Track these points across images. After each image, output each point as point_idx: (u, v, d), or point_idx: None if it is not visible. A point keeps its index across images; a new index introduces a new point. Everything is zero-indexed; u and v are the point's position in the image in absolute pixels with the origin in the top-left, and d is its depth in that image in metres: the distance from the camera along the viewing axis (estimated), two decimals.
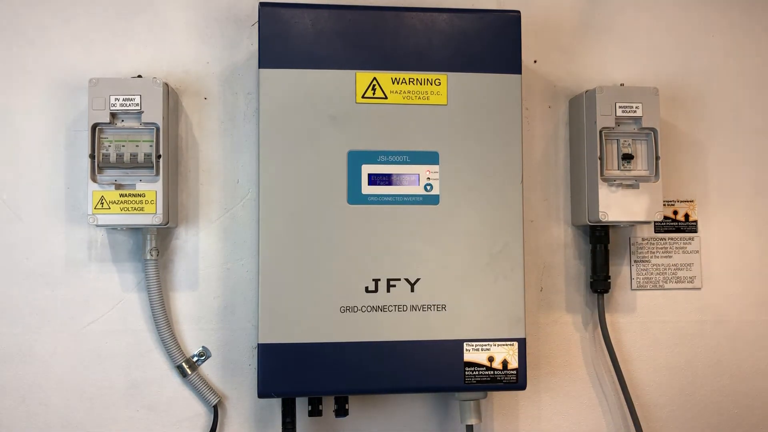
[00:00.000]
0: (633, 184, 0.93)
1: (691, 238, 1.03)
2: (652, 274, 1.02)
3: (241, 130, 0.96)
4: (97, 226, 0.86)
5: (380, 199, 0.86)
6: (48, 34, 0.94)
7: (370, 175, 0.86)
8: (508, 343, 0.87)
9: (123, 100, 0.86)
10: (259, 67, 0.85)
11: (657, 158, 0.93)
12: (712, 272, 1.03)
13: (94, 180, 0.85)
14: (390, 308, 0.85)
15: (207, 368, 0.94)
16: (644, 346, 1.02)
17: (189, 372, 0.92)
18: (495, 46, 0.89)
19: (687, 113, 1.04)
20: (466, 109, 0.88)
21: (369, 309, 0.85)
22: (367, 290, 0.85)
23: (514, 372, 0.87)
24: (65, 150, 0.93)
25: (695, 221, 1.03)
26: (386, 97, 0.87)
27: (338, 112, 0.86)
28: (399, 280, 0.86)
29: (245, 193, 0.96)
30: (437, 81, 0.87)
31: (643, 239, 1.02)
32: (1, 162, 0.93)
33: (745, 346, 1.04)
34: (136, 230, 0.92)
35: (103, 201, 0.85)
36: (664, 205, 1.02)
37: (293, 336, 0.83)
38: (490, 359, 0.86)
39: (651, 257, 1.02)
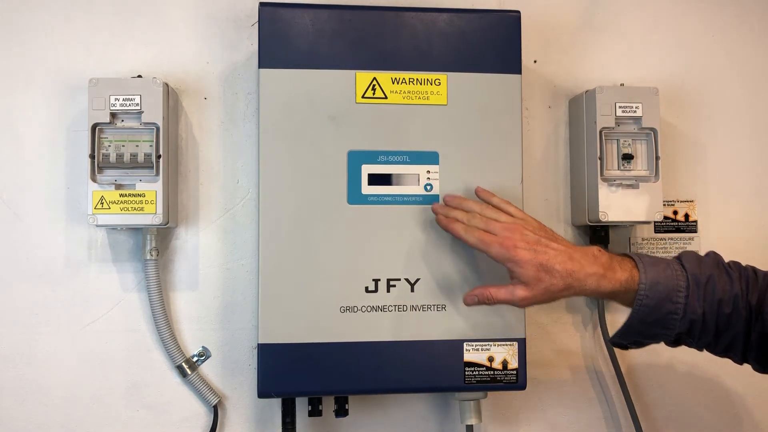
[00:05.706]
0: (633, 184, 0.93)
1: (691, 238, 1.03)
2: None
3: (241, 130, 0.96)
4: (97, 226, 0.86)
5: (380, 199, 0.86)
6: (48, 34, 0.94)
7: (370, 175, 0.86)
8: (508, 343, 0.87)
9: (123, 100, 0.86)
10: (259, 67, 0.85)
11: (657, 158, 0.93)
12: None
13: (94, 180, 0.85)
14: (390, 308, 0.85)
15: (207, 368, 0.94)
16: None
17: (189, 372, 0.92)
18: (495, 46, 0.88)
19: (687, 113, 1.04)
20: (466, 109, 0.88)
21: (369, 309, 0.85)
22: (367, 290, 0.85)
23: (514, 372, 0.87)
24: (65, 150, 0.93)
25: (695, 221, 1.03)
26: (386, 97, 0.87)
27: (338, 112, 0.86)
28: (399, 280, 0.86)
29: (245, 193, 0.96)
30: (437, 81, 0.87)
31: (643, 239, 1.02)
32: (1, 162, 0.92)
33: None
34: (136, 230, 0.92)
35: (103, 201, 0.85)
36: (664, 205, 1.02)
37: (293, 336, 0.83)
38: (490, 359, 0.86)
39: None
